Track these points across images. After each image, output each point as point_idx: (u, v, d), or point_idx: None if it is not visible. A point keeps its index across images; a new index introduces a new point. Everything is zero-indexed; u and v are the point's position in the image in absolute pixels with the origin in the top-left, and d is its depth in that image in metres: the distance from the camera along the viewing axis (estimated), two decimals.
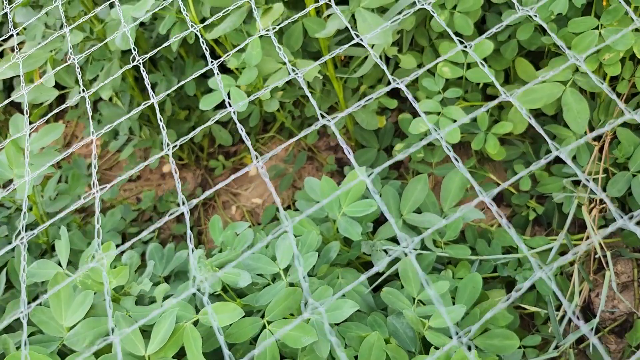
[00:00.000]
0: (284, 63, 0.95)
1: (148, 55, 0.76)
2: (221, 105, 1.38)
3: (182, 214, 1.46)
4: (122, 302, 0.71)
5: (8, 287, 0.92)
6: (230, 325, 0.65)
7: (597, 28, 0.92)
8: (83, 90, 1.05)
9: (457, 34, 1.06)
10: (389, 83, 1.17)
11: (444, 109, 1.02)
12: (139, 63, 0.79)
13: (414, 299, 0.82)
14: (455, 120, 1.01)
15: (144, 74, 0.75)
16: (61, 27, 1.09)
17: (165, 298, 0.76)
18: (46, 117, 0.78)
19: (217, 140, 1.29)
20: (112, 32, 0.99)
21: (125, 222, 1.30)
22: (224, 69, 1.36)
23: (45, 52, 1.01)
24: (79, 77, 0.79)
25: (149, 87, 0.76)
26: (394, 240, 0.97)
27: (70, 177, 1.14)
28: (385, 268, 0.93)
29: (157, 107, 0.76)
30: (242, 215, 1.37)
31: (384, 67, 0.67)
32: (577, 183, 1.09)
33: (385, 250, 0.95)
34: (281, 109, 1.23)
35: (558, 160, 1.13)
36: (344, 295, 0.77)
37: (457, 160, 0.53)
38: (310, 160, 1.39)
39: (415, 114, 1.18)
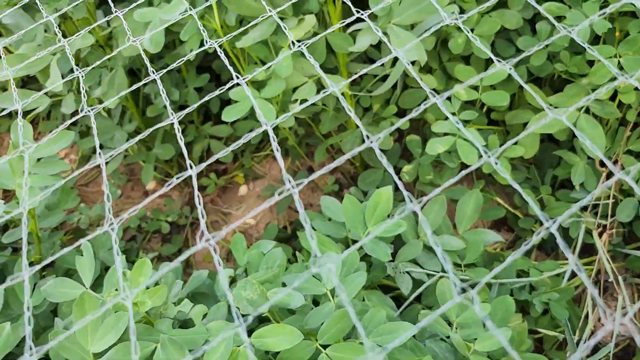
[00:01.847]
0: (310, 77, 0.92)
1: (175, 65, 0.72)
2: (219, 120, 1.34)
3: (169, 234, 1.38)
4: (157, 325, 0.65)
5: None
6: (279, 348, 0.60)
7: (614, 57, 0.94)
8: (85, 99, 0.98)
9: (474, 56, 1.07)
10: (396, 102, 1.16)
11: (460, 131, 1.02)
12: (156, 76, 0.73)
13: (448, 322, 0.79)
14: (472, 143, 1.01)
15: (160, 86, 0.70)
16: (59, 27, 1.02)
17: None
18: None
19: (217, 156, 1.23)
20: (122, 37, 0.93)
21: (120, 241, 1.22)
22: (219, 82, 1.31)
23: (47, 55, 0.94)
24: (82, 85, 0.73)
25: (164, 95, 0.71)
26: (415, 262, 0.95)
27: (59, 191, 1.05)
28: (406, 290, 0.91)
29: (177, 126, 0.70)
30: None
31: (423, 84, 0.66)
32: (583, 208, 1.11)
33: (408, 273, 0.92)
34: (280, 126, 1.20)
35: (564, 185, 1.15)
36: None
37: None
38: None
39: (424, 136, 1.18)
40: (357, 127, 1.11)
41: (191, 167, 0.59)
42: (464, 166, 1.22)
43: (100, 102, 1.24)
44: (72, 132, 0.84)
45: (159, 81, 0.71)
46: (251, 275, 0.73)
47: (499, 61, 0.77)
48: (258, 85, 0.96)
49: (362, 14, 0.78)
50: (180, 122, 1.28)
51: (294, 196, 0.49)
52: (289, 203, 1.28)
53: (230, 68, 0.69)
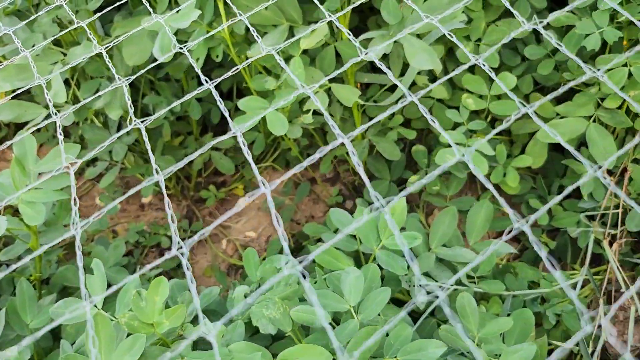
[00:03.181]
0: (321, 86, 0.90)
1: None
2: (220, 131, 1.31)
3: (168, 248, 1.34)
4: (175, 347, 0.62)
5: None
6: None
7: (625, 65, 0.94)
8: (132, 111, 0.95)
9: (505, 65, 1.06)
10: (401, 112, 1.14)
11: (470, 141, 1.00)
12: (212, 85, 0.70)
13: (470, 336, 0.77)
14: (482, 153, 1.00)
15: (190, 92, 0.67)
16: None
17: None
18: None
19: (218, 168, 1.20)
20: (129, 46, 0.90)
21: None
22: (218, 91, 1.28)
23: (47, 64, 0.91)
24: (127, 96, 0.70)
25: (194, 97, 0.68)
26: (427, 275, 0.93)
27: (57, 206, 1.01)
28: (422, 304, 0.89)
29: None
30: (234, 250, 1.28)
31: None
32: (591, 218, 1.10)
33: (421, 286, 0.90)
34: (285, 137, 1.17)
35: (571, 195, 1.14)
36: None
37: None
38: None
39: (429, 146, 1.16)
40: (364, 137, 1.09)
41: (157, 172, 0.57)
42: (471, 176, 1.21)
43: (98, 113, 1.20)
44: (78, 146, 0.81)
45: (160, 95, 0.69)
46: (270, 292, 0.70)
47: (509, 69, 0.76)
48: (261, 95, 0.94)
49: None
50: (178, 134, 1.25)
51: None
52: (292, 215, 1.25)
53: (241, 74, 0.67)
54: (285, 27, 0.85)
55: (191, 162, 1.30)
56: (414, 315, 0.90)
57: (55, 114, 0.71)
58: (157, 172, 0.57)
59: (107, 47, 0.76)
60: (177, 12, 0.78)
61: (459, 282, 0.93)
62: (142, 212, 1.36)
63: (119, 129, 1.18)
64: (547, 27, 1.07)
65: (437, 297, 0.91)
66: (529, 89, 1.10)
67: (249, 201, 1.35)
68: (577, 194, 1.14)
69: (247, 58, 0.99)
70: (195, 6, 0.79)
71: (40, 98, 1.16)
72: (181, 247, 0.48)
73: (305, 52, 0.91)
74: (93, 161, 1.28)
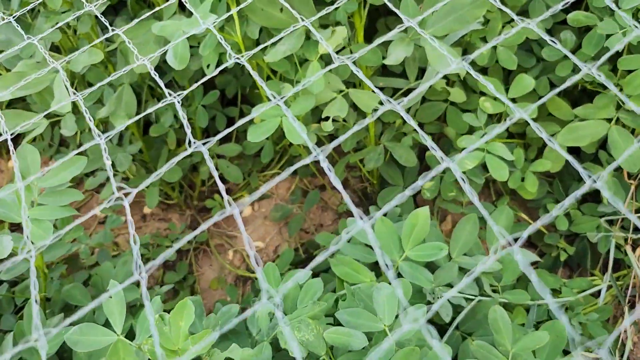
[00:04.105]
0: (339, 92, 0.86)
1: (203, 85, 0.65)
2: (225, 139, 1.27)
3: (171, 260, 1.30)
4: None
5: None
6: None
7: None
8: (89, 119, 0.91)
9: (491, 68, 1.03)
10: (414, 116, 1.11)
11: (489, 146, 0.97)
12: (177, 99, 0.66)
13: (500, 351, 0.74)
14: (502, 157, 0.97)
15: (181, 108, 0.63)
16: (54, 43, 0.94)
17: None
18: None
19: (225, 176, 1.16)
20: (132, 53, 0.85)
21: None
22: (223, 98, 1.24)
23: (49, 72, 0.86)
24: (182, 116, 0.66)
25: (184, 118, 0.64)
26: (449, 286, 0.90)
27: (60, 222, 0.97)
28: (447, 316, 0.85)
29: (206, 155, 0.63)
30: (241, 260, 1.24)
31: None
32: (610, 222, 1.07)
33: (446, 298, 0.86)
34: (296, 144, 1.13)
35: (589, 199, 1.12)
36: None
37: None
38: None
39: (444, 151, 1.13)
40: (378, 143, 1.05)
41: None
42: (485, 182, 1.18)
43: (102, 122, 1.16)
44: (85, 158, 0.77)
45: (178, 105, 0.65)
46: (296, 311, 0.66)
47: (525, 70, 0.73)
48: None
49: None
50: (182, 142, 1.21)
51: None
52: (301, 225, 1.21)
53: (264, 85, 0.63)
54: (302, 30, 0.81)
55: (195, 171, 1.26)
56: (436, 327, 0.87)
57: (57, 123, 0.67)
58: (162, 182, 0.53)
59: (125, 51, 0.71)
60: (190, 16, 0.74)
61: (482, 293, 0.90)
62: (144, 223, 1.32)
63: (120, 138, 1.14)
64: (559, 27, 1.04)
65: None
66: (545, 91, 1.07)
67: (245, 206, 1.31)
68: (594, 197, 1.11)
69: (258, 64, 0.95)
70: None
71: (37, 107, 1.11)
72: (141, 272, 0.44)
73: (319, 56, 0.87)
74: (93, 171, 1.23)
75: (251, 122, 1.14)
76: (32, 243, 0.78)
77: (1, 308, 0.98)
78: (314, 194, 1.21)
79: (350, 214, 1.23)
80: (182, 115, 0.49)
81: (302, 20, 0.70)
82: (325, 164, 0.42)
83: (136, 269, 0.39)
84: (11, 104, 1.31)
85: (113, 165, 1.08)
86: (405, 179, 1.12)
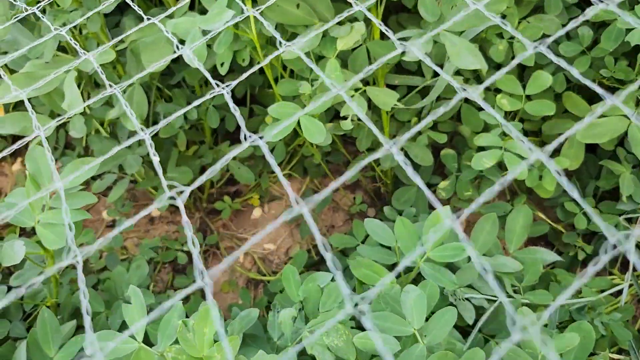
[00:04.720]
0: (357, 90, 0.84)
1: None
2: (236, 139, 1.24)
3: (184, 264, 1.27)
4: None
5: None
6: None
7: None
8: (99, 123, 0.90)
9: (520, 64, 1.01)
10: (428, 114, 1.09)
11: (506, 143, 0.95)
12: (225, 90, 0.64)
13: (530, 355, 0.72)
14: (521, 155, 0.95)
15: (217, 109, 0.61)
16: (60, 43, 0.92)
17: None
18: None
19: (237, 178, 1.14)
20: (148, 51, 0.83)
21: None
22: (232, 97, 1.22)
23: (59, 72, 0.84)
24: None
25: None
26: (470, 287, 0.88)
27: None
28: (470, 319, 0.83)
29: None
30: (252, 263, 1.22)
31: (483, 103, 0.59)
32: (630, 220, 1.05)
33: (468, 299, 0.85)
34: (309, 144, 1.11)
35: (608, 196, 1.10)
36: None
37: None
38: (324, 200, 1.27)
39: (458, 149, 1.11)
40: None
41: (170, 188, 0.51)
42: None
43: (105, 122, 1.14)
44: (96, 160, 0.74)
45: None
46: (321, 315, 0.64)
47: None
48: (287, 100, 0.88)
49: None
50: (191, 143, 1.19)
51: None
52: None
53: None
54: (318, 27, 0.79)
55: (204, 172, 1.24)
56: (459, 329, 0.85)
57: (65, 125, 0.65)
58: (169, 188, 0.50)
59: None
60: (206, 13, 0.72)
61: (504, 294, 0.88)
62: (152, 226, 1.30)
63: (128, 139, 1.11)
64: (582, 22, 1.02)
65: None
66: (561, 87, 1.05)
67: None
68: (612, 195, 1.10)
69: (274, 61, 0.93)
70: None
71: (43, 109, 1.09)
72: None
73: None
74: (100, 174, 1.21)
75: (263, 121, 1.12)
76: (46, 249, 0.76)
77: (10, 315, 0.95)
78: (327, 195, 1.19)
79: (363, 215, 1.21)
80: (233, 107, 0.46)
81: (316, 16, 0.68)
82: (400, 157, 0.40)
83: (199, 274, 0.36)
84: (16, 105, 1.29)
85: (121, 167, 1.06)
86: (420, 178, 1.10)
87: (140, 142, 1.11)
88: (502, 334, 0.85)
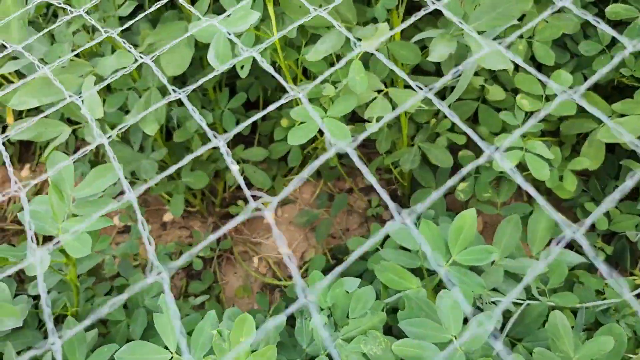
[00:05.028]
0: (379, 91, 0.83)
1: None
2: (250, 143, 1.23)
3: (194, 269, 1.26)
4: None
5: None
6: None
7: None
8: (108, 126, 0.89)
9: (539, 64, 1.00)
10: (445, 116, 1.08)
11: (527, 144, 0.94)
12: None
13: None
14: (542, 157, 0.94)
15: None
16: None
17: None
18: None
19: (253, 182, 1.12)
20: (167, 54, 0.82)
21: (129, 282, 1.10)
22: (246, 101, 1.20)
23: (75, 77, 0.82)
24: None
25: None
26: (495, 290, 0.87)
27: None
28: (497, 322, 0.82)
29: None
30: (267, 267, 1.21)
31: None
32: None
33: (494, 302, 0.83)
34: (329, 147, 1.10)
35: (628, 196, 1.09)
36: None
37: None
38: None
39: (477, 151, 1.10)
40: (412, 145, 1.02)
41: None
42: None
43: (113, 126, 1.12)
44: (117, 167, 0.73)
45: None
46: (353, 322, 0.63)
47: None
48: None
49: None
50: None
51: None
52: (329, 230, 1.18)
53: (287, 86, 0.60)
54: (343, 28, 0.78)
55: (217, 177, 1.23)
56: None
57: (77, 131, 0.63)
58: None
59: (153, 56, 0.68)
60: (229, 15, 0.70)
61: (529, 297, 0.87)
62: (165, 231, 1.28)
63: (141, 144, 1.10)
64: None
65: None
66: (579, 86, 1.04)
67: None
68: (632, 195, 1.09)
69: (292, 64, 0.92)
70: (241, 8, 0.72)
71: (56, 114, 1.08)
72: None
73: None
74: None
75: (278, 125, 1.11)
76: (68, 257, 0.75)
77: (26, 324, 0.94)
78: (342, 198, 1.18)
79: (379, 218, 1.20)
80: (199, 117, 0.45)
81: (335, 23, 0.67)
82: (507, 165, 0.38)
83: (301, 294, 0.35)
84: (29, 110, 1.28)
85: (134, 172, 1.04)
86: (438, 180, 1.09)
87: (154, 147, 1.09)
88: (530, 338, 0.83)
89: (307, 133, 0.77)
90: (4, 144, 1.49)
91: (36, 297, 0.99)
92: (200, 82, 0.59)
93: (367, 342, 0.56)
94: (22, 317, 0.68)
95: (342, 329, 0.63)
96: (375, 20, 0.84)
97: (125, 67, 0.84)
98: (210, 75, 0.58)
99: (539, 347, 0.70)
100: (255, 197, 0.42)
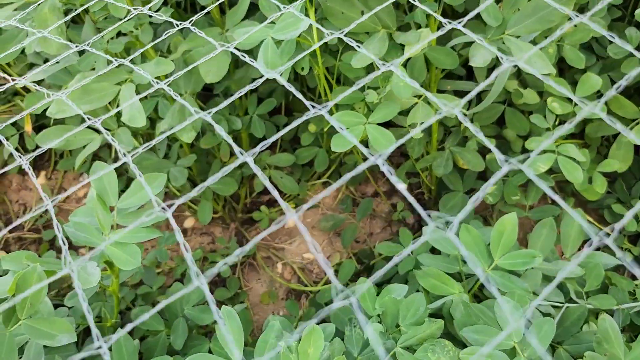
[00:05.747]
0: (419, 97, 0.83)
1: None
2: (280, 148, 1.22)
3: (220, 275, 1.25)
4: None
5: None
6: None
7: None
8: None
9: (569, 66, 1.00)
10: (471, 119, 1.08)
11: (559, 147, 0.95)
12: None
13: None
14: (575, 159, 0.94)
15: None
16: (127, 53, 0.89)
17: None
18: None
19: (280, 188, 1.12)
20: (205, 61, 0.81)
21: (153, 290, 1.09)
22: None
23: (112, 84, 0.81)
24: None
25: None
26: (534, 294, 0.87)
27: None
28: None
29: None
30: (292, 273, 1.20)
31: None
32: None
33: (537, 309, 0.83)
34: (356, 151, 1.10)
35: None
36: None
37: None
38: (358, 206, 1.25)
39: (504, 154, 1.10)
40: (442, 149, 1.02)
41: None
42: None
43: (142, 135, 1.11)
44: (164, 175, 0.72)
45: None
46: (411, 330, 0.63)
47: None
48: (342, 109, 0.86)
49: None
50: (233, 153, 1.17)
51: None
52: (355, 235, 1.18)
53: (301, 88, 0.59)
54: (383, 34, 0.77)
55: (241, 182, 1.22)
56: None
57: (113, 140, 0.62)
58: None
59: (192, 65, 0.67)
60: (276, 22, 0.70)
61: (568, 300, 0.87)
62: (186, 238, 1.27)
63: (168, 150, 1.09)
64: (618, 25, 1.02)
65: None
66: (606, 89, 1.04)
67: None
68: None
69: (327, 70, 0.91)
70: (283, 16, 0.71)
71: (78, 121, 1.06)
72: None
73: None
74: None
75: (304, 130, 1.11)
76: (112, 268, 0.74)
77: None
78: (367, 203, 1.18)
79: (404, 222, 1.20)
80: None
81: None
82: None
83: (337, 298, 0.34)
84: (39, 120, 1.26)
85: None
86: (465, 183, 1.09)
87: (179, 155, 1.08)
88: (570, 341, 0.83)
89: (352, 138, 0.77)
90: (18, 150, 1.48)
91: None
92: (245, 90, 0.58)
93: (434, 351, 0.55)
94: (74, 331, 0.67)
95: (401, 337, 0.62)
96: (408, 27, 0.84)
97: (166, 75, 0.84)
98: (257, 82, 0.57)
99: (581, 350, 0.70)
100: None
